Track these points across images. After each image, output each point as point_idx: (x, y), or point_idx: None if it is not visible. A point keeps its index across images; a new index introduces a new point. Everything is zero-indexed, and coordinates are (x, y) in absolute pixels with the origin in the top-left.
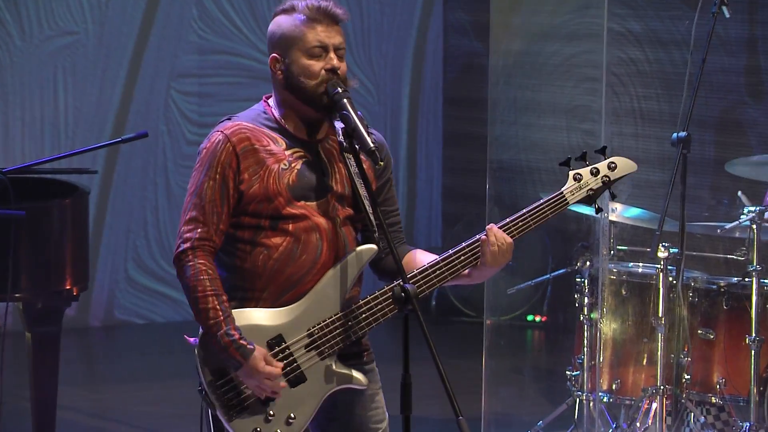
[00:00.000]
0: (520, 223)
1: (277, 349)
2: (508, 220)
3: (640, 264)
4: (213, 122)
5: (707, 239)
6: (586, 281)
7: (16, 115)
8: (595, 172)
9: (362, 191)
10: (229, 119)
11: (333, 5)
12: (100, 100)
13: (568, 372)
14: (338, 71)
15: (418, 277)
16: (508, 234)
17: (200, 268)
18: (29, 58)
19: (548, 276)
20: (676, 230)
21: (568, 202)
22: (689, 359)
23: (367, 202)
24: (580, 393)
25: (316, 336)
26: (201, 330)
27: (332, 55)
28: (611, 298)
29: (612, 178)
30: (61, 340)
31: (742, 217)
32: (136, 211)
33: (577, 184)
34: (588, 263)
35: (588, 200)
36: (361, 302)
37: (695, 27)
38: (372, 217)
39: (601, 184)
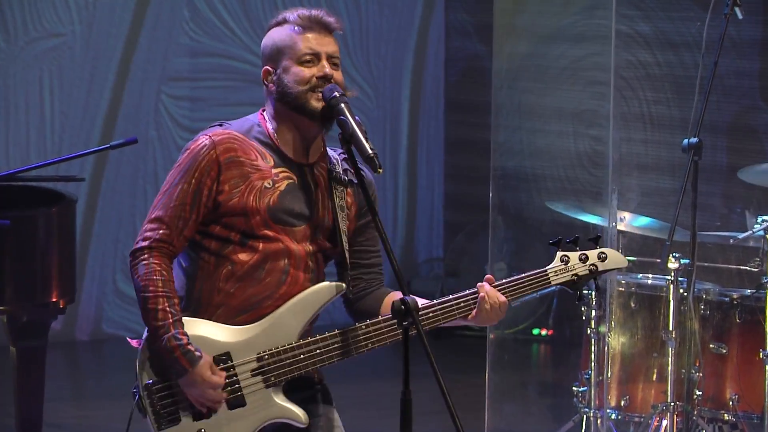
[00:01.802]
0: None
1: (222, 366)
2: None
3: (650, 275)
4: (205, 128)
5: (719, 249)
6: (593, 293)
7: (0, 121)
8: (583, 259)
9: (343, 226)
10: (221, 125)
11: (325, 14)
12: (88, 105)
13: (574, 388)
14: (332, 79)
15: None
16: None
17: (154, 268)
18: (14, 61)
19: (554, 288)
20: (687, 240)
21: (550, 282)
22: (701, 374)
23: (345, 238)
24: (587, 410)
25: (264, 362)
26: (146, 331)
27: (324, 62)
28: (620, 310)
29: (599, 269)
30: (47, 355)
31: (755, 226)
32: (126, 220)
33: (563, 266)
34: None
35: (571, 285)
36: (318, 337)
37: (707, 29)
38: (348, 255)
39: (587, 272)
